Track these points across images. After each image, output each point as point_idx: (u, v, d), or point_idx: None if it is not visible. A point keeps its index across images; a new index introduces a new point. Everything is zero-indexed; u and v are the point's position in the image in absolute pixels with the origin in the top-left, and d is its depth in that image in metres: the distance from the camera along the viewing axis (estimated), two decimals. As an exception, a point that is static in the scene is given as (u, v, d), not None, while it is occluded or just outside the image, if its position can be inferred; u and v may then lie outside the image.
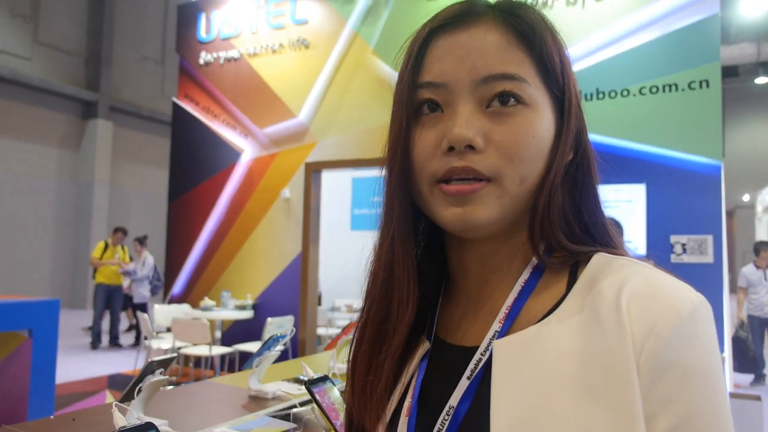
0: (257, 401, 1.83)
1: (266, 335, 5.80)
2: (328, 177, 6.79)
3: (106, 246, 8.22)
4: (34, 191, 12.46)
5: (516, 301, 0.56)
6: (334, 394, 1.31)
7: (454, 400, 0.54)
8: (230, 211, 6.92)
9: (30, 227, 12.38)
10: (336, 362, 2.21)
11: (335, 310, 7.62)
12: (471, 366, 0.54)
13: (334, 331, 7.08)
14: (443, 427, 0.54)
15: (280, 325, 5.96)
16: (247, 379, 1.92)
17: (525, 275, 0.57)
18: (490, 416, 0.50)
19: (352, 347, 0.64)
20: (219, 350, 5.82)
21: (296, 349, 6.27)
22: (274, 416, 1.63)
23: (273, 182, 6.65)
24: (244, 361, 6.16)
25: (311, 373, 1.57)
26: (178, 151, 7.38)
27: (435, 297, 0.64)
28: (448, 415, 0.54)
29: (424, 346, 0.60)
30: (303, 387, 1.99)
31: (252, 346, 5.93)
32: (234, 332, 6.50)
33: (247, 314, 6.37)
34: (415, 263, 0.60)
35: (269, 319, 5.78)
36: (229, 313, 6.29)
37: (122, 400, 1.47)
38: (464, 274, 0.61)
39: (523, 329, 0.53)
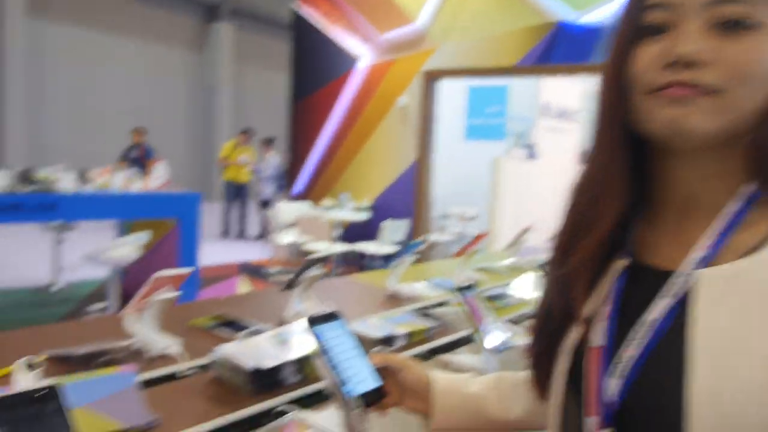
0: (395, 300, 2.01)
1: (383, 237, 6.10)
2: (444, 85, 6.71)
3: (234, 146, 8.79)
4: (165, 93, 13.35)
5: (723, 230, 0.56)
6: (479, 302, 1.43)
7: (652, 314, 0.56)
8: (348, 117, 7.09)
9: (163, 126, 13.39)
10: (464, 270, 2.34)
11: (447, 217, 7.78)
12: (670, 287, 0.56)
13: (445, 239, 7.27)
14: (642, 339, 0.55)
15: (395, 228, 6.23)
16: (386, 279, 2.10)
17: (734, 205, 0.56)
18: (689, 338, 0.52)
19: (555, 249, 0.66)
20: (339, 248, 6.22)
21: (409, 252, 6.54)
22: (413, 313, 1.79)
23: (390, 90, 6.69)
24: (362, 259, 6.55)
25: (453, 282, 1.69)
26: (297, 56, 7.55)
27: (631, 218, 0.64)
28: (647, 328, 0.55)
29: (622, 262, 0.62)
30: (435, 290, 2.15)
31: (369, 246, 6.26)
32: (353, 232, 6.85)
33: (364, 216, 6.68)
34: (625, 175, 0.61)
35: (385, 222, 6.04)
36: (348, 213, 6.63)
37: (285, 290, 1.67)
38: (666, 196, 0.61)
39: (726, 260, 0.54)
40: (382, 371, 0.85)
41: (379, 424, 0.98)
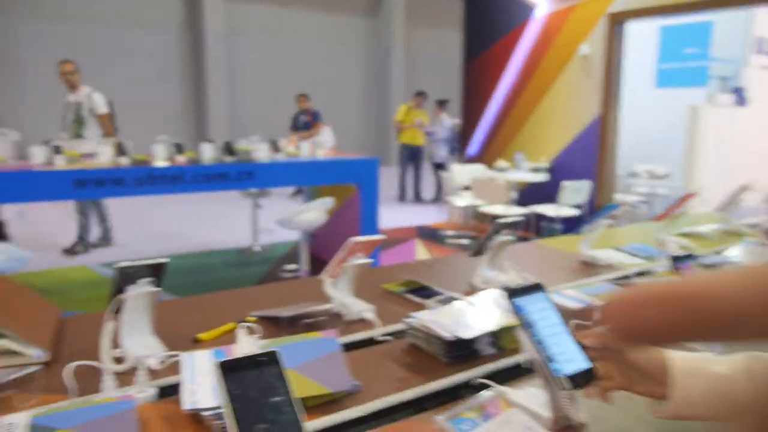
0: (589, 268, 1.86)
1: (562, 199, 5.79)
2: (631, 28, 6.07)
3: (408, 109, 8.89)
4: (342, 58, 13.90)
5: None
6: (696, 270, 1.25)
7: None
8: (524, 71, 6.76)
9: (341, 92, 14.01)
10: (667, 235, 2.10)
11: (634, 176, 7.16)
12: None
13: (631, 199, 6.71)
14: None
15: (575, 190, 5.87)
16: (574, 245, 1.95)
17: None
18: None
19: None
20: (516, 210, 6.04)
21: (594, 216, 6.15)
22: (613, 282, 1.64)
23: (570, 38, 6.23)
24: (539, 222, 6.30)
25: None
26: (470, 12, 7.34)
27: None
28: None
29: None
30: (634, 258, 1.95)
31: (547, 209, 5.99)
32: (529, 194, 6.61)
33: (542, 177, 6.39)
34: None
35: (564, 183, 5.72)
36: (524, 174, 6.39)
37: (473, 256, 1.62)
38: None
39: None
40: (600, 352, 0.77)
41: (587, 406, 0.89)
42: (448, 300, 1.39)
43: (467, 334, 1.12)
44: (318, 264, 5.46)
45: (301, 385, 0.95)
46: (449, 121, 8.71)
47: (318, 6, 13.39)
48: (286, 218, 4.74)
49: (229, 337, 1.24)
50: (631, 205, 6.55)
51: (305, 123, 8.36)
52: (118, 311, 1.09)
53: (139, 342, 1.12)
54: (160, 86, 11.69)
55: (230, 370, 0.67)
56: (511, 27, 6.83)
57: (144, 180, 4.26)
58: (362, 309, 1.33)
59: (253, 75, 12.73)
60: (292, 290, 1.65)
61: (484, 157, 7.27)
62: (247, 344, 0.97)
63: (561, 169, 6.45)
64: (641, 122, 6.74)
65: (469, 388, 1.09)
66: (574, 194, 5.83)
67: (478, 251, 1.62)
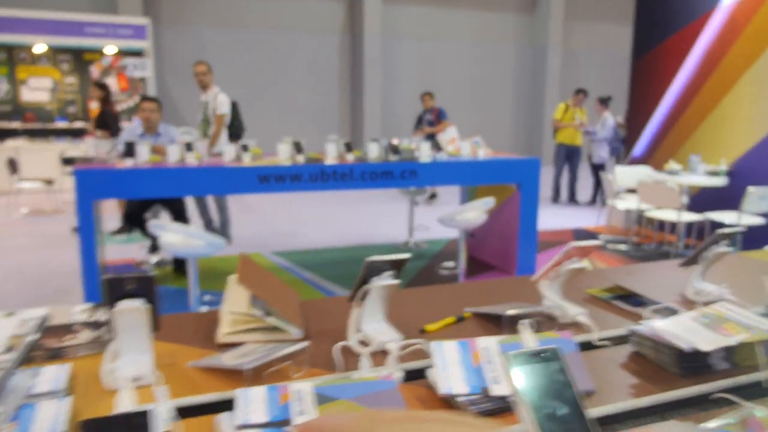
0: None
1: (746, 206, 5.28)
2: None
3: (567, 108, 8.60)
4: (495, 56, 13.75)
5: None
6: None
7: None
8: (704, 65, 6.24)
9: (494, 90, 13.88)
10: None
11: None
12: None
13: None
14: None
15: (762, 196, 5.32)
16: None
17: None
18: None
19: None
20: (687, 216, 5.61)
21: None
22: None
23: (763, 29, 5.64)
24: (714, 230, 5.80)
25: None
26: (644, 2, 6.91)
27: None
28: None
29: None
30: None
31: (726, 216, 5.50)
32: (703, 199, 6.11)
33: (720, 181, 5.87)
34: None
35: (750, 188, 5.20)
36: (699, 178, 5.91)
37: (684, 265, 1.56)
38: None
39: None
40: None
41: None
42: (666, 310, 1.36)
43: (706, 346, 1.09)
44: (474, 263, 5.51)
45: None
46: (612, 120, 8.29)
47: (472, 4, 13.38)
48: (447, 216, 4.83)
49: (451, 330, 1.33)
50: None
51: (430, 122, 8.41)
52: (363, 299, 1.21)
53: (378, 328, 1.24)
54: (321, 87, 12.40)
55: (521, 362, 0.74)
56: (691, 18, 6.34)
57: (317, 177, 4.56)
58: (577, 312, 1.35)
59: (407, 75, 13.04)
60: (493, 289, 1.70)
61: (651, 158, 6.82)
62: (530, 339, 1.04)
63: (743, 174, 5.87)
64: None
65: (707, 403, 1.07)
66: (760, 201, 5.29)
67: (691, 261, 1.55)
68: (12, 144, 9.01)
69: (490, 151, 5.49)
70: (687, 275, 1.57)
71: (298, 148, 4.81)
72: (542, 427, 0.70)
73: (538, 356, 0.75)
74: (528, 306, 1.38)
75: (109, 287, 1.01)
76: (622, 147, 8.11)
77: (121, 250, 5.83)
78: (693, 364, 1.13)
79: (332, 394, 0.96)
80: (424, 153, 4.98)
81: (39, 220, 7.32)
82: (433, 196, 8.76)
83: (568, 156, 8.58)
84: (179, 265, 5.14)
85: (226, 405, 1.00)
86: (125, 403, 0.97)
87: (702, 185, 5.99)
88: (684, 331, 1.15)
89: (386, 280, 1.20)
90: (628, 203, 6.21)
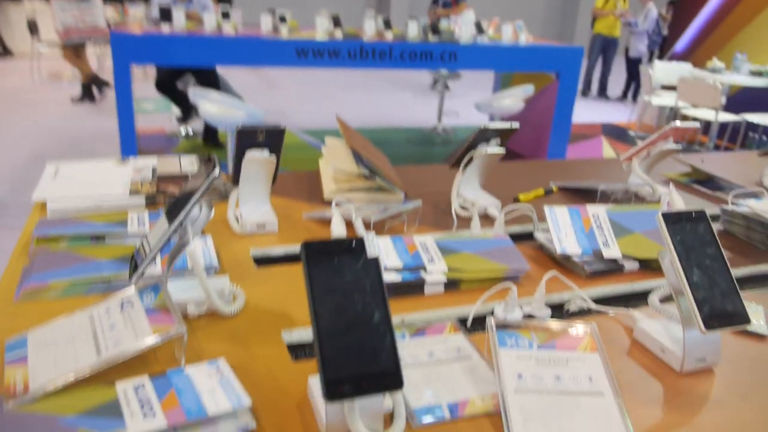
0: None
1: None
2: None
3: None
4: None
5: None
6: None
7: None
8: (765, -43, 5.85)
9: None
10: None
11: None
12: None
13: None
14: None
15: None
16: None
17: None
18: None
19: None
20: (724, 116, 5.52)
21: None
22: None
23: None
24: (747, 132, 5.73)
25: None
26: None
27: None
28: None
29: None
30: None
31: (763, 118, 5.40)
32: (742, 99, 5.97)
33: (764, 82, 5.70)
34: None
35: (794, 91, 5.07)
36: (743, 78, 5.74)
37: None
38: None
39: None
40: None
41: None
42: (749, 194, 1.40)
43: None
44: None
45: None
46: (655, 11, 7.89)
47: None
48: (484, 102, 4.76)
49: (541, 201, 1.38)
50: None
51: (446, 3, 7.99)
52: (467, 165, 1.24)
53: (477, 195, 1.29)
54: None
55: (672, 222, 0.78)
56: None
57: (356, 54, 4.45)
58: (664, 192, 1.38)
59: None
60: (589, 167, 1.72)
61: (693, 55, 6.59)
62: (678, 201, 1.09)
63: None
64: None
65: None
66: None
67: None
68: (29, 6, 8.71)
69: (531, 37, 5.30)
70: (764, 164, 1.59)
71: (336, 22, 4.65)
72: (690, 279, 0.76)
73: (689, 216, 0.80)
74: (613, 183, 1.42)
75: (241, 137, 1.04)
76: (661, 42, 7.80)
77: (150, 119, 5.83)
78: (785, 243, 1.18)
79: (455, 247, 1.03)
80: (466, 34, 4.81)
81: (61, 84, 7.25)
82: (436, 82, 8.20)
83: (604, 47, 8.26)
84: (208, 137, 5.15)
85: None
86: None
87: (744, 85, 5.83)
88: (779, 211, 1.19)
89: (494, 148, 1.23)
90: (663, 100, 6.08)
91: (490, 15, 6.49)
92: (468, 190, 1.30)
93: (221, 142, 5.18)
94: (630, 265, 1.06)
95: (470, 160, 1.24)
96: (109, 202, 1.14)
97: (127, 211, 1.10)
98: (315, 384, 0.69)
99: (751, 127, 5.66)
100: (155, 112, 6.15)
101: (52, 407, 0.64)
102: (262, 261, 1.03)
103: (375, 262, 0.61)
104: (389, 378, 0.57)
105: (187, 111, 5.34)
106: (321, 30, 4.62)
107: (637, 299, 0.98)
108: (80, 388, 0.66)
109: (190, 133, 5.48)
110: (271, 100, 7.13)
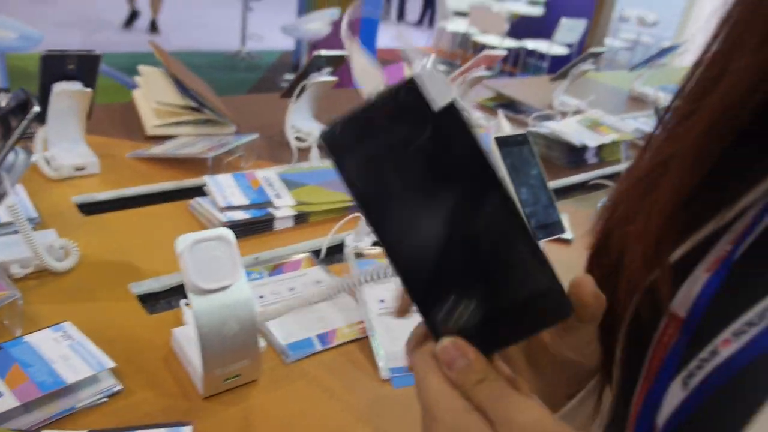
0: (639, 102, 2.07)
1: (557, 37, 5.83)
2: None
3: None
4: None
5: None
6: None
7: None
8: None
9: None
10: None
11: (624, 20, 7.18)
12: None
13: (617, 44, 6.80)
14: (759, 323, 0.28)
15: (571, 28, 5.90)
16: (632, 81, 2.15)
17: None
18: None
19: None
20: (508, 43, 6.05)
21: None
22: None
23: None
24: (527, 57, 6.37)
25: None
26: None
27: None
28: None
29: None
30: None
31: (539, 44, 6.04)
32: (521, 26, 6.58)
33: (538, 10, 6.34)
34: None
35: (563, 20, 5.72)
36: (518, 6, 6.30)
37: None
38: None
39: None
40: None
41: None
42: (545, 117, 1.59)
43: (591, 143, 1.33)
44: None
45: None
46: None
47: None
48: (291, 25, 4.64)
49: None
50: (613, 51, 6.66)
51: None
52: (300, 95, 1.22)
53: (311, 125, 1.28)
54: None
55: (502, 145, 0.86)
56: None
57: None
58: (481, 117, 1.51)
59: None
60: None
61: (481, -18, 7.03)
62: (506, 126, 1.16)
63: (558, 5, 6.39)
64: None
65: (586, 188, 1.33)
66: (569, 33, 5.87)
67: (561, 76, 1.78)
68: None
69: (333, -42, 5.19)
70: (554, 88, 1.80)
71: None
72: (520, 198, 0.86)
73: (515, 139, 0.89)
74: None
75: (46, 65, 0.89)
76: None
77: None
78: (575, 158, 1.37)
79: (299, 179, 1.02)
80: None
81: None
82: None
83: (401, -28, 8.44)
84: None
85: (185, 194, 1.01)
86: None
87: (521, 13, 6.42)
88: (572, 131, 1.37)
89: (326, 77, 1.22)
90: (457, 26, 6.47)
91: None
92: (302, 121, 1.28)
93: None
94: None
95: (303, 89, 1.22)
96: None
97: None
98: (180, 335, 0.66)
99: (529, 53, 6.31)
100: None
101: None
102: (89, 208, 0.93)
103: (456, 112, 0.28)
104: (552, 300, 0.29)
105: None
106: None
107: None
108: None
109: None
110: (41, 19, 6.14)
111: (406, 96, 0.28)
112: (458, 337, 0.29)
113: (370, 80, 1.12)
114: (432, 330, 0.29)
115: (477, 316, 0.29)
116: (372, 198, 0.30)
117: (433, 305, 0.29)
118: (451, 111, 0.28)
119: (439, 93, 0.27)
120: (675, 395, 0.31)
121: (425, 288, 0.30)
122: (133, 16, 6.04)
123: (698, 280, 0.33)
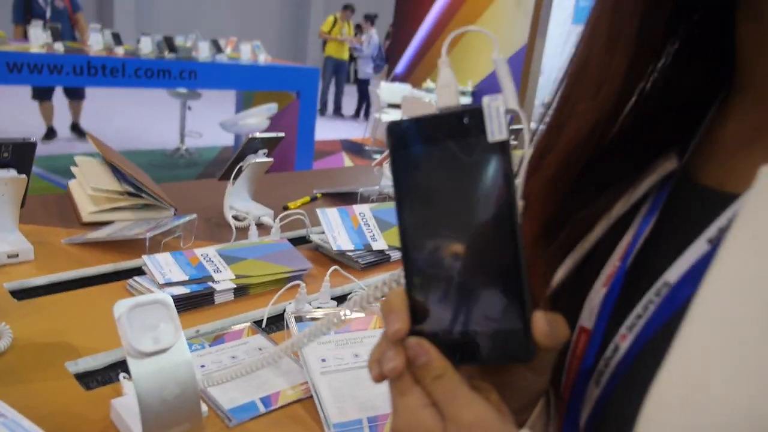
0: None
1: (486, 121, 6.21)
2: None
3: (335, 21, 8.79)
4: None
5: None
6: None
7: (672, 274, 0.33)
8: (458, -6, 6.95)
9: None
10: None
11: (549, 107, 7.72)
12: (718, 223, 0.32)
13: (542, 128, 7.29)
14: (644, 314, 0.33)
15: (498, 114, 6.30)
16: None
17: None
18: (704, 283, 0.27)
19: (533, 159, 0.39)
20: (441, 130, 6.38)
21: (509, 138, 6.66)
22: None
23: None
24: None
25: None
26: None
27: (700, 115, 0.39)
28: (657, 295, 0.33)
29: (667, 166, 0.37)
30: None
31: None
32: (452, 115, 6.96)
33: (465, 100, 6.75)
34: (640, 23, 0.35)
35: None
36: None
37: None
38: (754, 76, 0.34)
39: None
40: None
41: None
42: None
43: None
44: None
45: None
46: (376, 37, 8.75)
47: None
48: (229, 121, 4.76)
49: (310, 206, 1.46)
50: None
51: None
52: (237, 177, 1.27)
53: (248, 205, 1.32)
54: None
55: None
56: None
57: (83, 69, 4.07)
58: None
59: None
60: (343, 174, 1.85)
61: (412, 76, 7.49)
62: None
63: (484, 94, 6.82)
64: (562, 55, 7.23)
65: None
66: (496, 118, 6.26)
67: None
68: None
69: (269, 57, 5.45)
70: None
71: (55, 34, 4.18)
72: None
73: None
74: (369, 186, 1.58)
75: None
76: (385, 64, 8.68)
77: None
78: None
79: (238, 254, 1.05)
80: (203, 53, 4.74)
81: None
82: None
83: (336, 69, 8.87)
84: None
85: (123, 275, 1.01)
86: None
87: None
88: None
89: (261, 158, 1.28)
90: (391, 116, 6.79)
91: (226, 35, 6.47)
92: (239, 202, 1.32)
93: None
94: (395, 255, 1.20)
95: (239, 171, 1.27)
96: None
97: None
98: (119, 405, 0.65)
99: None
100: None
101: None
102: (22, 294, 0.92)
103: (505, 150, 0.31)
104: (518, 342, 0.31)
105: None
106: (36, 42, 4.11)
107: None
108: None
109: None
110: (-27, 124, 6.06)
111: (470, 120, 0.32)
112: (424, 339, 0.31)
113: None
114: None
115: (446, 329, 0.32)
116: (409, 189, 0.33)
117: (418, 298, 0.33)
118: (502, 147, 0.30)
119: (498, 128, 0.31)
120: (591, 395, 0.35)
121: (420, 284, 0.33)
122: (51, 132, 5.99)
123: (598, 293, 0.37)
